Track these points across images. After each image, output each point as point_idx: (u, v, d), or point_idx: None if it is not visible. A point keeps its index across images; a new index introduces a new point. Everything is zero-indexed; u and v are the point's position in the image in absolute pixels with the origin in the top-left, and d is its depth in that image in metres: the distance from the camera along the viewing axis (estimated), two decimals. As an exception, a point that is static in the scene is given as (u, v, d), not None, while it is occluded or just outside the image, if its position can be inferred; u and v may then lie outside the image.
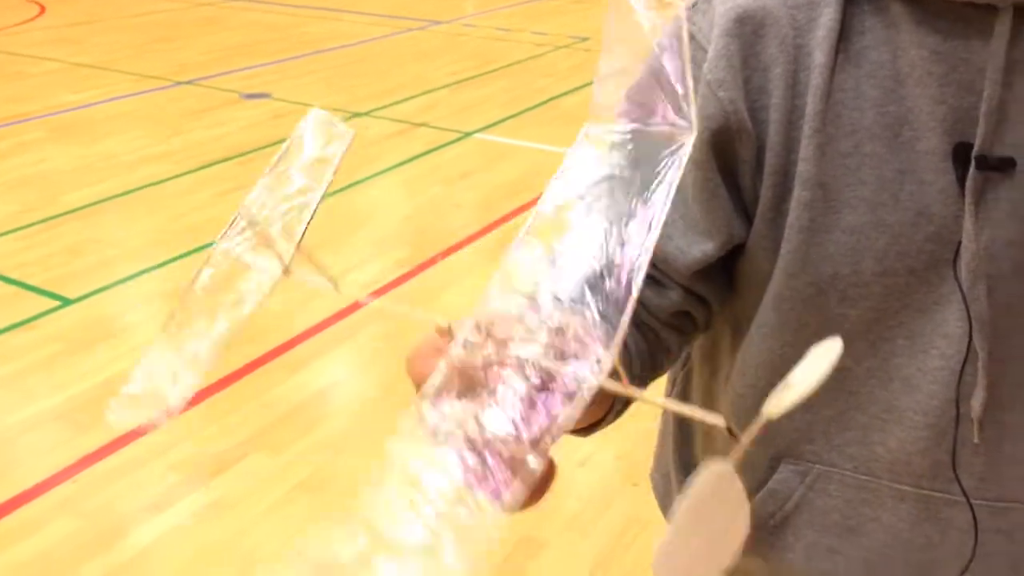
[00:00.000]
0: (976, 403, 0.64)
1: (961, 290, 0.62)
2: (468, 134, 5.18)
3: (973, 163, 0.60)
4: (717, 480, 0.32)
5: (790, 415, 0.67)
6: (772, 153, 0.64)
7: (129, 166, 4.71)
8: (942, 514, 0.68)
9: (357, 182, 4.48)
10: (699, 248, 0.68)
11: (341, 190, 4.37)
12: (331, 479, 2.46)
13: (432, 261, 3.67)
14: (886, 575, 0.71)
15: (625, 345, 0.71)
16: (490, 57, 7.02)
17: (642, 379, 0.70)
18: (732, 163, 0.66)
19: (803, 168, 0.63)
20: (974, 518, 0.67)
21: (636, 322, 0.73)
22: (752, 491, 0.73)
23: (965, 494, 0.66)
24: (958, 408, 0.65)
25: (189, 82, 6.27)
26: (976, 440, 0.65)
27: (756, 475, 0.73)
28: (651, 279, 0.72)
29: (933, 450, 0.66)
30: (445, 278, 3.57)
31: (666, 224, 0.69)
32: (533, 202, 3.60)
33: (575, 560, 2.17)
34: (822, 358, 0.38)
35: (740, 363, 0.73)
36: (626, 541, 2.22)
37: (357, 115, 5.52)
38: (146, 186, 4.44)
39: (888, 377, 0.67)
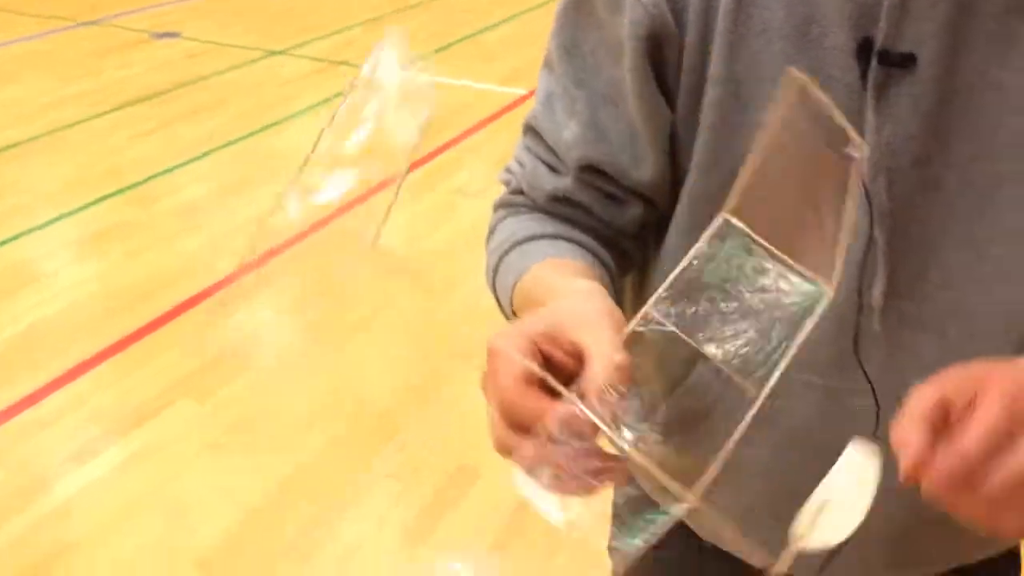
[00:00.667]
0: (876, 292, 0.66)
1: (864, 183, 0.64)
2: (389, 71, 5.08)
3: (875, 59, 0.61)
4: None
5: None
6: (689, 53, 0.65)
7: (39, 110, 4.51)
8: (847, 402, 0.70)
9: (274, 123, 4.37)
10: (651, 158, 0.69)
11: (257, 132, 4.26)
12: (262, 422, 2.44)
13: (358, 199, 3.62)
14: (792, 460, 0.74)
15: (606, 267, 0.72)
16: (409, -8, 6.87)
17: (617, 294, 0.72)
18: (662, 68, 0.67)
19: (714, 67, 0.64)
20: (876, 404, 0.69)
21: (605, 241, 0.74)
22: (671, 388, 0.75)
23: (869, 381, 0.69)
24: (860, 298, 0.67)
25: (95, 22, 6.00)
26: (877, 328, 0.67)
27: (674, 373, 0.74)
28: (612, 197, 0.73)
29: (838, 340, 0.68)
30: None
31: (618, 138, 0.70)
32: (457, 139, 3.58)
33: (510, 487, 2.19)
34: (850, 471, 0.41)
35: (660, 265, 0.74)
36: (559, 468, 2.26)
37: (273, 53, 5.36)
38: (58, 130, 4.27)
39: None
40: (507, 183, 0.80)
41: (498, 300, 0.75)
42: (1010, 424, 0.45)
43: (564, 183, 0.73)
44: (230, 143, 4.13)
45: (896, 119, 0.62)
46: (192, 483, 2.23)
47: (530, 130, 0.77)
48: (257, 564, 2.00)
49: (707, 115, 0.66)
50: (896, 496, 0.73)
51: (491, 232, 0.79)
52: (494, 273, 0.74)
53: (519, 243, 0.72)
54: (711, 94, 0.65)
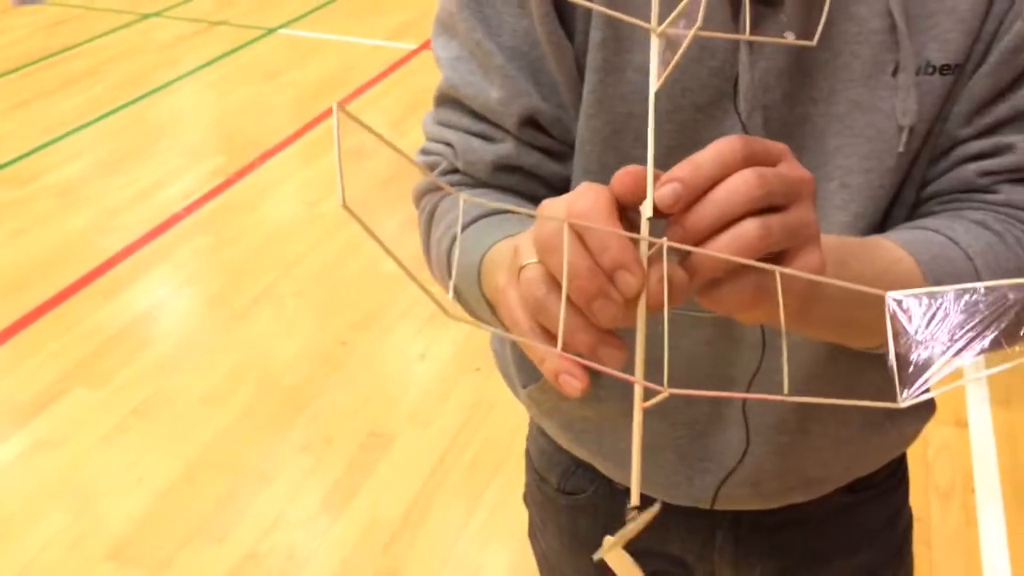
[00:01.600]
0: None
1: (741, 121, 0.66)
2: (272, 30, 4.92)
3: None
4: None
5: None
6: None
7: None
8: (735, 333, 0.73)
9: (156, 89, 4.19)
10: (572, 106, 0.69)
11: (139, 99, 4.08)
12: (166, 402, 2.38)
13: (251, 167, 3.52)
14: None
15: None
16: (288, -54, 6.63)
17: None
18: (563, 13, 0.67)
19: (596, 9, 0.65)
20: (762, 330, 0.72)
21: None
22: None
23: None
24: None
25: (-52, -10, 5.62)
26: None
27: None
28: (553, 154, 0.71)
29: None
30: (267, 183, 3.43)
31: (539, 89, 0.68)
32: (351, 97, 3.48)
33: (424, 450, 2.21)
34: None
35: None
36: (473, 425, 2.27)
37: (147, 16, 5.12)
38: (-86, 110, 4.01)
39: None
40: (432, 165, 0.75)
41: (451, 285, 0.71)
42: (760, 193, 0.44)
43: (505, 148, 0.70)
44: (107, 114, 3.95)
45: (767, 56, 0.64)
46: (97, 471, 2.17)
47: (448, 101, 0.73)
48: (171, 547, 1.97)
49: (592, 56, 0.66)
50: (780, 425, 0.76)
51: (431, 216, 0.74)
52: (447, 255, 0.69)
53: (474, 220, 0.68)
54: (594, 35, 0.66)
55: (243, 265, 2.94)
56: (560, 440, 0.87)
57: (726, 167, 0.44)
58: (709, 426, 0.78)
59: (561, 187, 0.72)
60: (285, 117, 3.93)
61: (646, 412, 0.77)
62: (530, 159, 0.71)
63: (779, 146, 0.47)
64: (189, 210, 3.24)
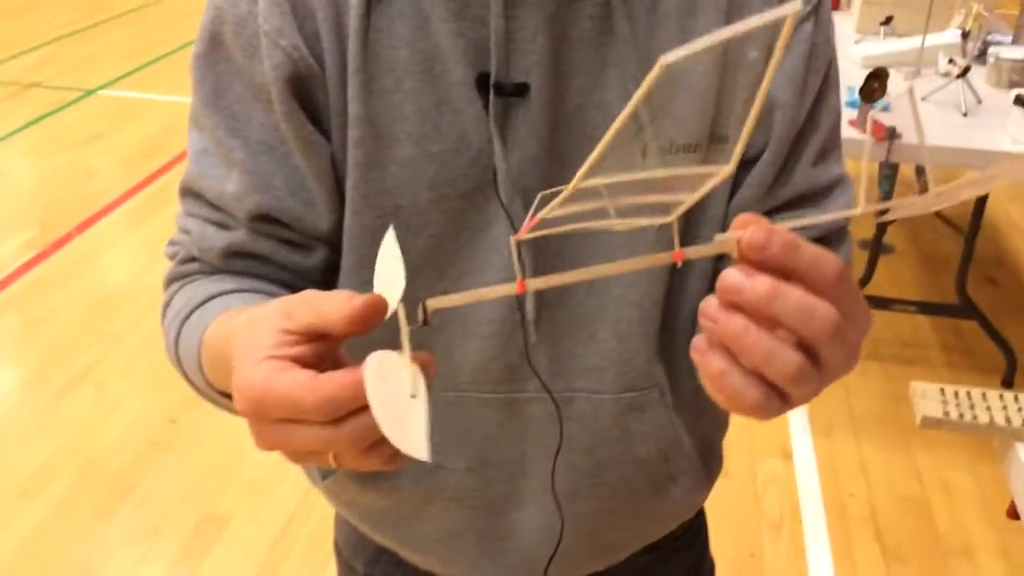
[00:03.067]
0: (529, 307, 0.70)
1: (504, 206, 0.68)
2: (91, 92, 4.72)
3: (492, 90, 0.64)
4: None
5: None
6: (333, 95, 0.66)
7: None
8: (523, 411, 0.75)
9: (-38, 158, 3.94)
10: (324, 201, 0.68)
11: (-58, 169, 3.82)
12: (-26, 499, 2.19)
13: (68, 237, 3.34)
14: (488, 476, 0.78)
15: None
16: (102, 5, 6.40)
17: None
18: (314, 108, 0.67)
19: (352, 107, 0.65)
20: (557, 408, 0.74)
21: (290, 287, 0.71)
22: None
23: (547, 388, 0.73)
24: (522, 314, 0.71)
25: None
26: (535, 340, 0.72)
27: None
28: (292, 244, 0.71)
29: (504, 355, 0.72)
30: (88, 252, 3.26)
31: (285, 183, 0.68)
32: (178, 159, 3.38)
33: (261, 528, 2.12)
34: (387, 252, 0.46)
35: None
36: (311, 498, 2.20)
37: (-48, 79, 4.82)
38: None
39: None
40: (173, 256, 0.75)
41: (187, 376, 0.69)
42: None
43: (237, 236, 0.70)
44: (-94, 186, 3.67)
45: (520, 144, 0.66)
46: None
47: (189, 193, 0.73)
48: (-18, 663, 1.80)
49: (353, 154, 0.66)
50: (573, 493, 0.77)
51: (165, 308, 0.73)
52: (175, 346, 0.68)
53: (198, 306, 0.68)
54: (351, 134, 0.66)
55: (61, 343, 2.77)
56: (363, 529, 0.87)
57: (821, 279, 0.41)
58: (507, 504, 0.79)
59: (303, 275, 0.72)
60: (108, 182, 3.77)
61: (445, 498, 0.77)
62: (265, 247, 0.70)
63: (864, 310, 0.44)
64: (5, 282, 3.04)
